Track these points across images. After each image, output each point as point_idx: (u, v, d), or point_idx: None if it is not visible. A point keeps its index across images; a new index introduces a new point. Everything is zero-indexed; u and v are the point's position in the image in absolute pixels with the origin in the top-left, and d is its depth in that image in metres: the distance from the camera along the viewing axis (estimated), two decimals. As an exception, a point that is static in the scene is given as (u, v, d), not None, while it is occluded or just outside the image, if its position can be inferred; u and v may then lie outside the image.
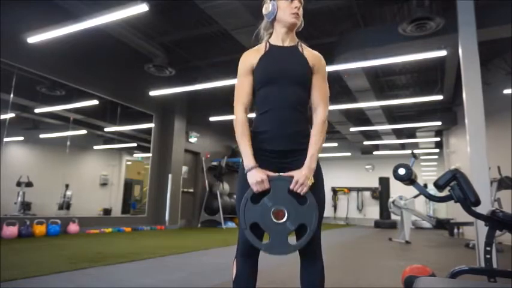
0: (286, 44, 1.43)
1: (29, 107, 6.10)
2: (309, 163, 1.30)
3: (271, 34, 1.47)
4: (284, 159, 1.34)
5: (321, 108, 1.39)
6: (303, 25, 1.49)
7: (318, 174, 1.34)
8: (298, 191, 1.25)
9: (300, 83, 1.37)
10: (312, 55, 1.42)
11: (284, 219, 1.23)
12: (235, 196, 1.50)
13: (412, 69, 7.97)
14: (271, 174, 1.28)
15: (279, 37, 1.43)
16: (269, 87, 1.36)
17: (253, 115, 1.43)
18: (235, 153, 10.38)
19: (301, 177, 1.25)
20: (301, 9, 1.42)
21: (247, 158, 1.31)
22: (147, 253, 3.96)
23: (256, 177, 1.25)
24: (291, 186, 1.25)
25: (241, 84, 1.40)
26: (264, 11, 1.46)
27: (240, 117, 1.37)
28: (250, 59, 1.41)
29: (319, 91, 1.40)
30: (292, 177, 1.26)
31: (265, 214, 1.24)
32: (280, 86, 1.35)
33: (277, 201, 1.25)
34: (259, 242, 1.24)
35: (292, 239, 1.25)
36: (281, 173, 1.29)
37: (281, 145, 1.33)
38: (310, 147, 1.33)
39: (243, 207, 1.26)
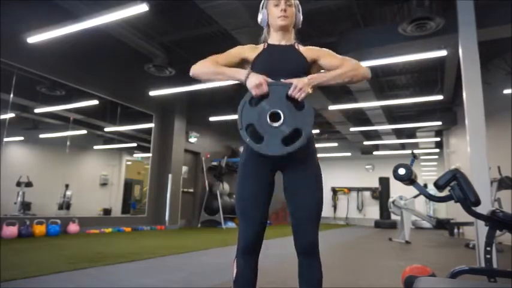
0: (283, 43, 1.46)
1: (29, 107, 6.10)
2: (315, 76, 1.32)
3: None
4: (283, 159, 1.32)
5: (347, 60, 1.39)
6: (300, 22, 1.51)
7: (317, 174, 1.34)
8: (296, 97, 1.26)
9: (296, 75, 1.36)
10: (309, 49, 1.44)
11: (280, 122, 1.24)
12: (234, 196, 1.48)
13: (412, 69, 7.97)
14: (270, 80, 1.29)
15: (276, 38, 1.47)
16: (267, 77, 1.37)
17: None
18: (235, 153, 10.38)
19: (300, 83, 1.26)
20: (289, 9, 1.42)
21: (239, 72, 1.33)
22: (147, 253, 3.96)
23: (255, 80, 1.26)
24: (290, 92, 1.26)
25: (221, 55, 1.42)
26: (258, 21, 1.52)
27: (204, 60, 1.38)
28: (246, 51, 1.44)
29: (336, 59, 1.40)
30: (291, 83, 1.27)
31: (262, 116, 1.25)
32: (277, 79, 1.36)
33: (275, 104, 1.26)
34: (254, 143, 1.25)
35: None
36: (281, 79, 1.30)
37: None
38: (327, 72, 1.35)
39: (241, 109, 1.28)
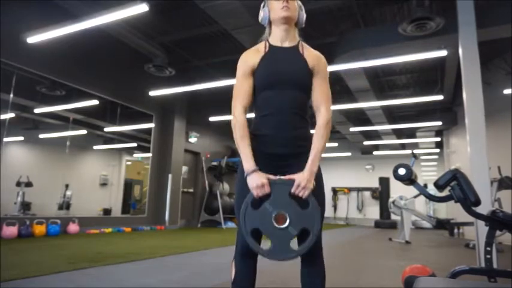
0: (286, 44, 1.41)
1: (29, 107, 6.10)
2: (311, 166, 1.28)
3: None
4: (284, 162, 1.33)
5: (323, 109, 1.37)
6: (303, 21, 1.47)
7: (318, 177, 1.33)
8: (300, 195, 1.22)
9: (299, 87, 1.36)
10: (312, 56, 1.40)
11: (286, 224, 1.20)
12: (234, 196, 1.47)
13: (412, 69, 7.97)
14: (272, 177, 1.26)
15: (278, 37, 1.42)
16: (269, 91, 1.36)
17: (252, 115, 1.43)
18: (235, 153, 10.37)
19: (302, 181, 1.23)
20: (292, 2, 1.38)
21: (247, 160, 1.28)
22: (147, 253, 3.96)
23: (256, 181, 1.23)
24: (292, 190, 1.23)
25: (241, 85, 1.38)
26: (259, 20, 1.48)
27: (239, 118, 1.34)
28: (251, 59, 1.39)
29: (320, 92, 1.38)
30: (293, 180, 1.23)
31: (267, 219, 1.21)
32: (280, 90, 1.34)
33: (278, 205, 1.22)
34: (261, 248, 1.22)
35: (293, 244, 1.23)
36: (282, 177, 1.27)
37: (281, 149, 1.33)
38: (312, 149, 1.31)
39: (243, 213, 1.23)
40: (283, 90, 1.35)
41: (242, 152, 1.32)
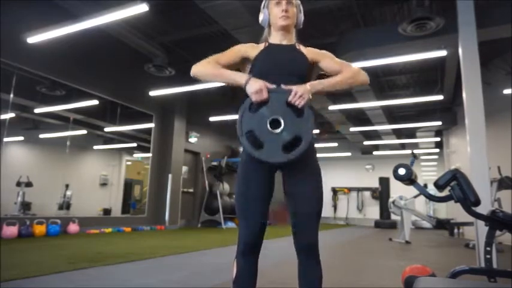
0: (285, 43, 1.46)
1: (29, 107, 6.10)
2: (315, 83, 1.31)
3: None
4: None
5: (347, 66, 1.40)
6: (301, 22, 1.50)
7: (317, 173, 1.34)
8: (296, 103, 1.25)
9: (297, 75, 1.37)
10: (309, 50, 1.44)
11: (280, 129, 1.23)
12: (234, 196, 1.47)
13: (412, 69, 7.97)
14: (270, 86, 1.28)
15: (277, 38, 1.46)
16: (267, 79, 1.36)
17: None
18: (235, 153, 10.38)
19: (300, 89, 1.26)
20: (291, 9, 1.42)
21: (240, 76, 1.32)
22: (147, 253, 3.96)
23: (255, 86, 1.26)
24: (290, 98, 1.25)
25: (223, 55, 1.42)
26: (259, 21, 1.51)
27: (205, 60, 1.38)
28: (247, 49, 1.44)
29: (338, 62, 1.42)
30: (291, 90, 1.26)
31: (262, 123, 1.24)
32: (278, 79, 1.35)
33: (275, 111, 1.25)
34: (254, 149, 1.24)
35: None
36: (282, 85, 1.29)
37: None
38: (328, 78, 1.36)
39: (241, 116, 1.27)
40: (281, 78, 1.35)
41: (229, 76, 1.34)
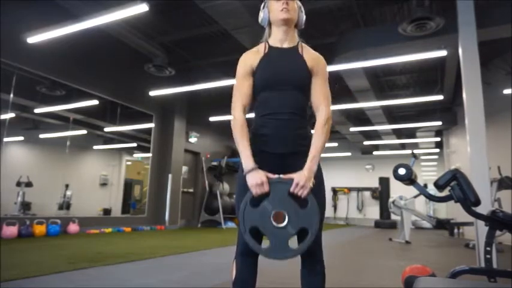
0: (286, 45, 1.42)
1: (29, 107, 6.10)
2: (310, 165, 1.28)
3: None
4: (284, 161, 1.33)
5: (322, 108, 1.37)
6: (303, 22, 1.48)
7: (318, 177, 1.33)
8: (299, 194, 1.22)
9: (298, 87, 1.37)
10: (311, 57, 1.41)
11: (284, 223, 1.20)
12: (235, 196, 1.47)
13: (412, 69, 7.97)
14: (271, 176, 1.26)
15: (278, 38, 1.43)
16: (269, 92, 1.36)
17: (252, 115, 1.43)
18: (235, 153, 10.37)
19: (301, 180, 1.23)
20: (291, 3, 1.39)
21: (247, 159, 1.29)
22: (147, 253, 3.96)
23: (256, 179, 1.23)
24: (292, 189, 1.23)
25: (241, 85, 1.39)
26: (259, 20, 1.49)
27: (239, 118, 1.35)
28: (250, 60, 1.41)
29: (319, 92, 1.39)
30: (292, 179, 1.23)
31: (265, 218, 1.21)
32: (279, 91, 1.35)
33: (277, 204, 1.22)
34: (259, 247, 1.22)
35: (292, 243, 1.23)
36: (281, 175, 1.27)
37: (281, 148, 1.33)
38: (311, 149, 1.31)
39: (242, 211, 1.23)
40: (282, 90, 1.35)
41: (242, 151, 1.32)
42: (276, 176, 1.27)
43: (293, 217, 1.20)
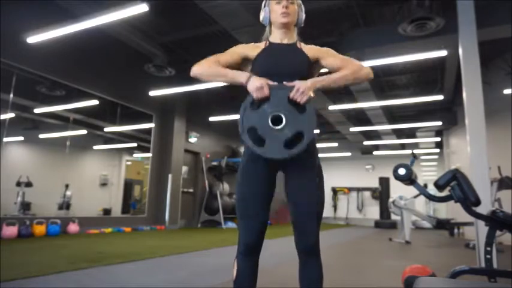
0: (285, 42, 1.45)
1: (29, 107, 6.10)
2: (317, 79, 1.30)
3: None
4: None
5: (351, 62, 1.38)
6: (302, 21, 1.49)
7: (318, 172, 1.34)
8: (298, 100, 1.25)
9: (298, 74, 1.37)
10: (310, 48, 1.44)
11: (282, 125, 1.23)
12: (235, 196, 1.47)
13: (412, 69, 7.97)
14: (271, 82, 1.28)
15: (278, 37, 1.46)
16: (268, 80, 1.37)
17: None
18: (235, 153, 10.38)
19: (302, 86, 1.25)
20: (291, 6, 1.41)
21: (240, 74, 1.31)
22: (147, 253, 3.96)
23: (256, 83, 1.25)
24: (291, 94, 1.25)
25: (221, 55, 1.41)
26: (260, 19, 1.51)
27: (206, 60, 1.38)
28: (247, 49, 1.44)
29: (340, 59, 1.40)
30: (293, 86, 1.26)
31: (263, 119, 1.24)
32: (278, 79, 1.35)
33: (276, 107, 1.25)
34: (256, 146, 1.24)
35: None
36: (283, 82, 1.29)
37: None
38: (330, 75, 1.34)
39: (242, 112, 1.26)
40: (282, 79, 1.35)
41: (229, 74, 1.34)
42: (276, 83, 1.29)
43: (290, 120, 1.24)
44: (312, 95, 1.27)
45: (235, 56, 1.42)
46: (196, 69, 1.38)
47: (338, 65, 1.39)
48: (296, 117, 1.24)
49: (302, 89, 1.24)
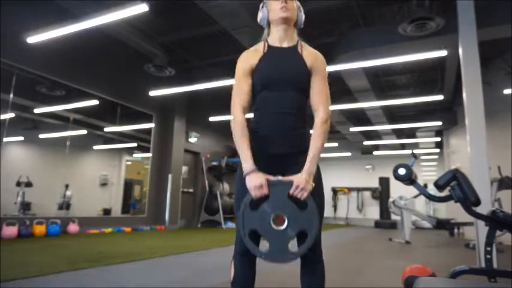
0: (285, 44, 1.42)
1: (29, 107, 6.10)
2: (309, 167, 1.27)
3: None
4: (284, 162, 1.33)
5: (321, 109, 1.36)
6: (302, 22, 1.48)
7: (317, 179, 1.33)
8: (298, 196, 1.22)
9: (298, 87, 1.37)
10: (310, 55, 1.41)
11: (284, 225, 1.20)
12: (234, 196, 1.47)
13: (412, 69, 7.97)
14: (271, 178, 1.26)
15: (277, 38, 1.43)
16: (268, 91, 1.36)
17: (251, 115, 1.43)
18: (235, 153, 10.33)
19: (301, 182, 1.22)
20: (290, 2, 1.39)
21: (246, 161, 1.28)
22: (147, 253, 3.96)
23: (255, 181, 1.23)
24: (291, 191, 1.22)
25: (241, 84, 1.39)
26: (258, 20, 1.49)
27: (238, 118, 1.35)
28: (250, 60, 1.40)
29: (318, 92, 1.38)
30: (292, 181, 1.23)
31: (265, 220, 1.21)
32: (279, 91, 1.35)
33: (277, 206, 1.22)
34: (258, 250, 1.21)
35: (292, 246, 1.23)
36: (280, 178, 1.26)
37: (281, 149, 1.33)
38: (310, 150, 1.31)
39: (242, 214, 1.23)
40: (282, 91, 1.35)
41: (241, 153, 1.32)
42: (276, 178, 1.26)
43: (292, 220, 1.20)
44: (311, 187, 1.24)
45: (248, 76, 1.39)
46: (232, 128, 1.36)
47: (315, 98, 1.37)
48: (298, 215, 1.21)
49: (302, 185, 1.22)
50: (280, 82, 1.35)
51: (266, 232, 1.20)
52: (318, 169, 1.35)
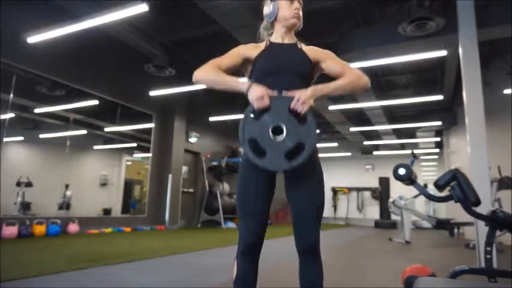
0: (286, 42, 1.46)
1: (29, 107, 6.10)
2: (317, 87, 1.30)
3: (271, 35, 1.50)
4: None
5: (350, 69, 1.39)
6: (301, 26, 1.52)
7: (318, 174, 1.34)
8: (299, 110, 1.24)
9: (299, 74, 1.38)
10: (311, 50, 1.44)
11: (283, 136, 1.23)
12: (235, 196, 1.48)
13: (412, 69, 7.97)
14: (272, 92, 1.28)
15: (279, 36, 1.47)
16: (269, 79, 1.37)
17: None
18: (235, 153, 10.37)
19: (302, 96, 1.24)
20: (300, 10, 1.45)
21: (239, 82, 1.31)
22: (147, 253, 3.95)
23: (256, 93, 1.24)
24: (292, 105, 1.24)
25: (223, 58, 1.42)
26: (264, 12, 1.49)
27: (207, 66, 1.38)
28: (248, 49, 1.44)
29: (341, 66, 1.40)
30: (293, 96, 1.25)
31: (264, 130, 1.23)
32: (280, 77, 1.36)
33: (277, 118, 1.24)
34: (257, 158, 1.23)
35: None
36: (283, 91, 1.29)
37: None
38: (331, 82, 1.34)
39: (243, 123, 1.26)
40: (283, 77, 1.36)
41: (228, 82, 1.34)
42: (276, 92, 1.29)
43: (291, 131, 1.23)
44: (312, 104, 1.26)
45: (236, 58, 1.42)
46: (197, 76, 1.38)
47: (338, 70, 1.39)
48: (297, 128, 1.24)
49: (302, 99, 1.24)
50: (282, 69, 1.37)
51: (265, 141, 1.23)
52: (319, 165, 1.37)
